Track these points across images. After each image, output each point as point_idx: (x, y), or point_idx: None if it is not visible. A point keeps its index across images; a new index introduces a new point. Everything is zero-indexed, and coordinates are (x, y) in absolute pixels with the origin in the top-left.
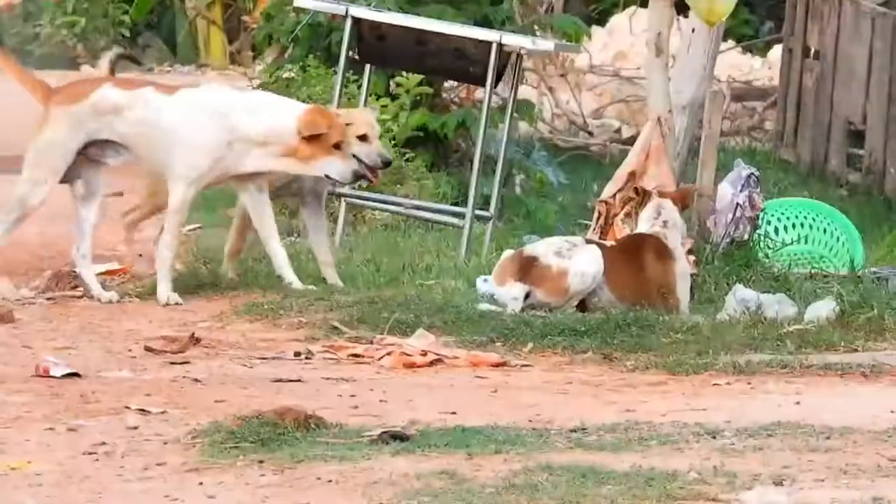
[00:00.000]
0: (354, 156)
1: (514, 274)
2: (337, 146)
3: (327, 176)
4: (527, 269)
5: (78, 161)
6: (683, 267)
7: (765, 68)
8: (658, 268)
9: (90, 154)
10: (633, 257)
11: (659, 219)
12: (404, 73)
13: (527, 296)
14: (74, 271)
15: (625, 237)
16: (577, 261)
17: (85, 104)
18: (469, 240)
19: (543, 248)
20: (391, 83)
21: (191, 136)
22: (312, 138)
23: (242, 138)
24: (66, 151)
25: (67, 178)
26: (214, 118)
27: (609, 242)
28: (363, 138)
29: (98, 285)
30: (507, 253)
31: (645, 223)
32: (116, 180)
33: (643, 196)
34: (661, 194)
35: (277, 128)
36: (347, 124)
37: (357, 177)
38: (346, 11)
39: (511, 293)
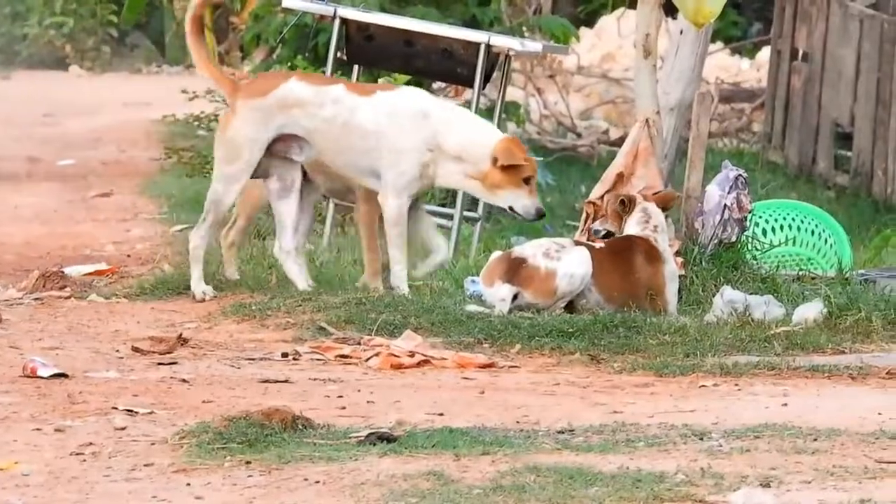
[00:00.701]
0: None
1: (502, 275)
2: (526, 181)
3: (511, 208)
4: (515, 270)
5: (268, 156)
6: (672, 269)
7: (753, 70)
8: (647, 270)
9: (275, 149)
10: (622, 259)
11: (650, 223)
12: (392, 74)
13: (515, 297)
14: (62, 272)
15: (613, 239)
16: (566, 262)
17: (270, 98)
18: (457, 241)
19: (532, 250)
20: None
21: (396, 141)
22: (505, 168)
23: (440, 148)
24: (256, 146)
25: (260, 173)
26: (416, 122)
27: (598, 244)
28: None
29: (303, 279)
30: (496, 254)
31: (635, 226)
32: (100, 181)
33: (629, 204)
34: (645, 198)
35: (473, 147)
36: None
37: (539, 216)
38: (335, 12)
39: (499, 294)
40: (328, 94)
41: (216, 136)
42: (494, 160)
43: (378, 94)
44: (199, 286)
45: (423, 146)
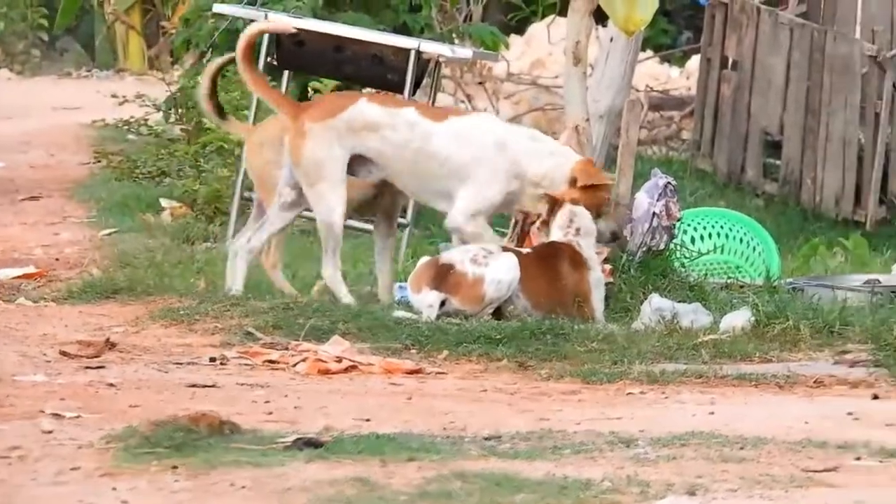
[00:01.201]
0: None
1: (429, 281)
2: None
3: None
4: (443, 276)
5: None
6: (598, 276)
7: (682, 78)
8: (573, 276)
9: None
10: (548, 265)
11: (572, 226)
12: (322, 80)
13: (443, 303)
14: None
15: (539, 245)
16: (493, 268)
17: (340, 119)
18: None
19: (459, 256)
20: (309, 89)
21: (478, 169)
22: (583, 189)
23: (520, 174)
24: (337, 163)
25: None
26: (497, 154)
27: (525, 250)
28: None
29: (238, 282)
30: (424, 260)
31: (558, 231)
32: (29, 185)
33: (554, 204)
34: (574, 201)
35: (552, 170)
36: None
37: (614, 237)
38: (265, 17)
39: (426, 301)
40: (400, 116)
41: (292, 166)
42: (573, 181)
43: (452, 121)
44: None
45: (508, 175)
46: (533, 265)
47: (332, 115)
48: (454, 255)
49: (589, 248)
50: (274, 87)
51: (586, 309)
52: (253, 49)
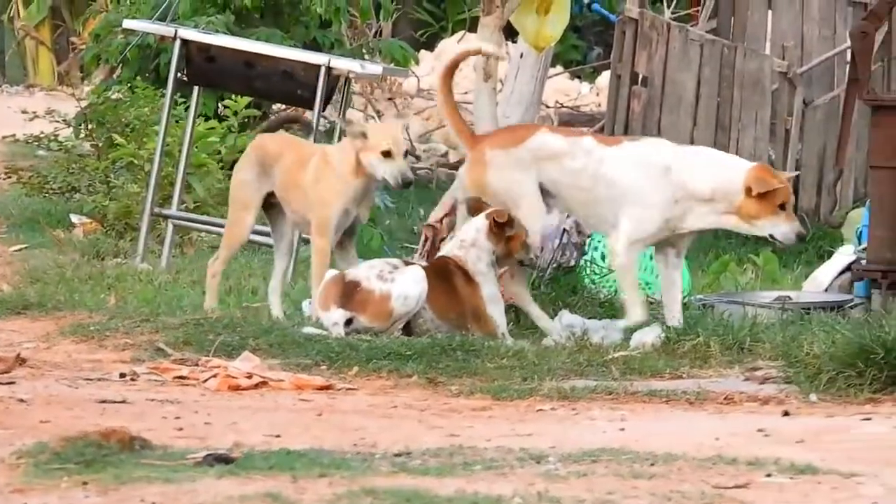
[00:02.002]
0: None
1: (336, 299)
2: (782, 206)
3: (771, 236)
4: (349, 294)
5: None
6: (490, 290)
7: (592, 94)
8: (466, 290)
9: None
10: (444, 279)
11: (456, 239)
12: (233, 96)
13: (350, 321)
14: None
15: (435, 259)
16: (400, 283)
17: (524, 148)
18: (295, 262)
19: (365, 272)
20: (220, 105)
21: (642, 195)
22: (759, 196)
23: (689, 195)
24: (525, 185)
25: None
26: (660, 177)
27: (423, 264)
28: (386, 154)
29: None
30: (330, 275)
31: (450, 243)
32: None
33: (476, 209)
34: (487, 215)
35: (725, 184)
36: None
37: (801, 238)
38: (175, 33)
39: (332, 318)
40: (580, 145)
41: (468, 192)
42: (748, 190)
43: (625, 145)
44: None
45: (669, 201)
46: (433, 279)
47: (516, 143)
48: (360, 271)
49: (474, 262)
50: (458, 115)
51: (484, 324)
52: (453, 71)
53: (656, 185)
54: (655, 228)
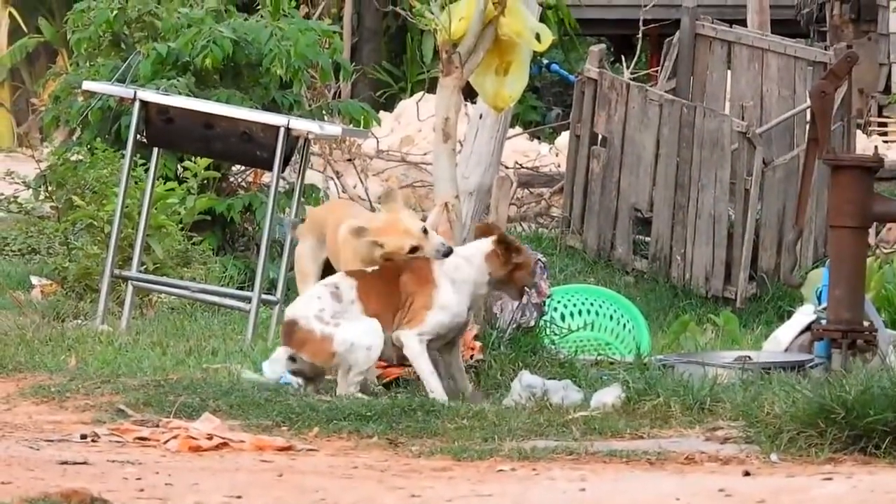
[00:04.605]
0: None
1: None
2: None
3: None
4: (289, 333)
5: None
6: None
7: (552, 154)
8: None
9: None
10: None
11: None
12: (192, 157)
13: (294, 360)
14: None
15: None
16: (347, 330)
17: None
18: (255, 324)
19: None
20: (179, 167)
21: None
22: None
23: None
24: None
25: None
26: None
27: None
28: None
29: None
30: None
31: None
32: None
33: (485, 232)
34: (496, 242)
35: None
36: None
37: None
38: (135, 94)
39: (273, 356)
40: None
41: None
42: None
43: None
44: None
45: None
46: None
47: None
48: (298, 309)
49: (454, 272)
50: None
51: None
52: None
53: None
54: None
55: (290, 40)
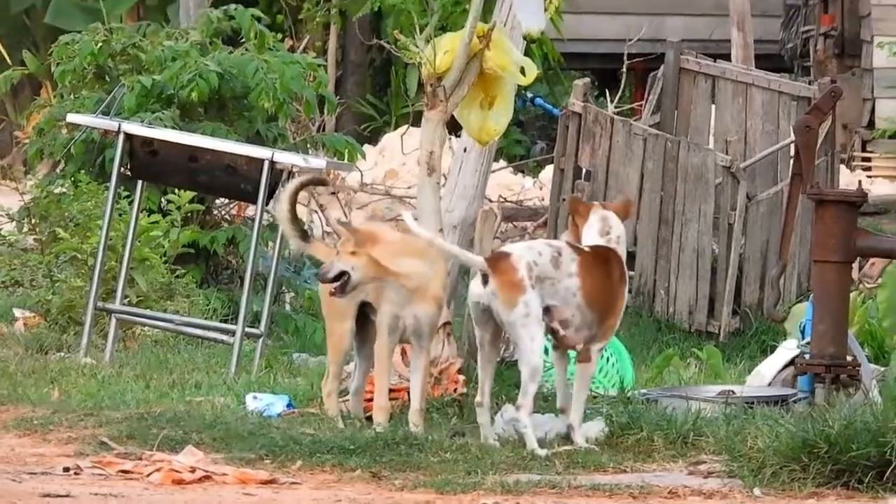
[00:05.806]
0: None
1: None
2: None
3: None
4: None
5: None
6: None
7: (536, 188)
8: (619, 285)
9: None
10: (603, 266)
11: (594, 233)
12: (176, 190)
13: None
14: None
15: (594, 246)
16: None
17: None
18: (239, 357)
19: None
20: (163, 199)
21: None
22: None
23: None
24: None
25: None
26: None
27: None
28: None
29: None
30: None
31: (594, 236)
32: None
33: (579, 210)
34: (605, 206)
35: None
36: None
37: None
38: (119, 127)
39: None
40: None
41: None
42: None
43: None
44: None
45: None
46: (591, 263)
47: None
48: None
49: (624, 262)
50: None
51: (614, 319)
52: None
53: None
54: None
55: (276, 73)
